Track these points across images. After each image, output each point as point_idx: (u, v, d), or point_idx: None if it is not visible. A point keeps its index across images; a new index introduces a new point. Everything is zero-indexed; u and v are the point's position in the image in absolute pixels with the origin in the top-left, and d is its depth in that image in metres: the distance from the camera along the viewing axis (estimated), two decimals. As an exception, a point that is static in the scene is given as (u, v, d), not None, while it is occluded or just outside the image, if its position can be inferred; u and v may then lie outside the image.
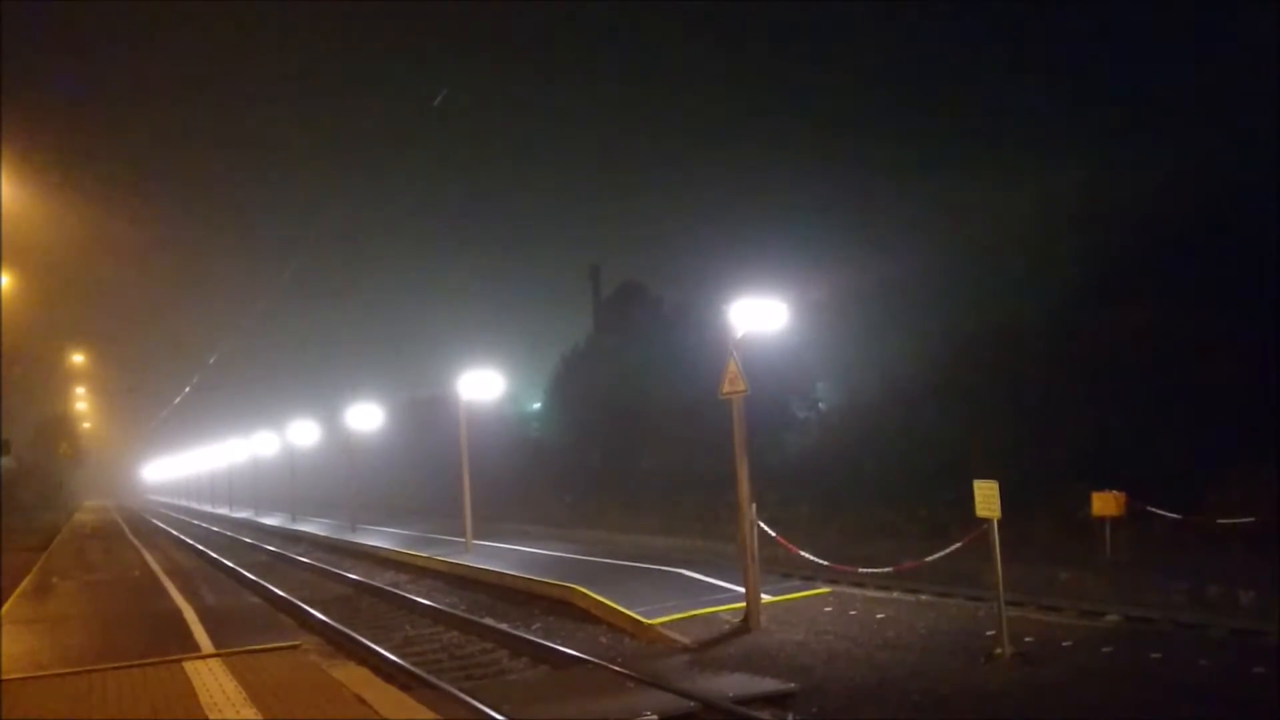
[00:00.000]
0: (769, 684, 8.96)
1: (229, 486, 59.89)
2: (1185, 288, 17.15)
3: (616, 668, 9.90)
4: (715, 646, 10.64)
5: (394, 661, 11.11)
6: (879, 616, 11.28)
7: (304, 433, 42.18)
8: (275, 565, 24.81)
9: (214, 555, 27.11)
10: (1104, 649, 9.13)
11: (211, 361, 67.78)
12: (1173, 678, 8.13)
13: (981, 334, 20.87)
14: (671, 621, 11.68)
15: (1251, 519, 13.03)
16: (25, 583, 18.81)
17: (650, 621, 11.74)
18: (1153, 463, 15.18)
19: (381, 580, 19.27)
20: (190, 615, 13.39)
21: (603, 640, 11.92)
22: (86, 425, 78.30)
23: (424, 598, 16.06)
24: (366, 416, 32.50)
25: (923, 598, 12.18)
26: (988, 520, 9.46)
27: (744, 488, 11.80)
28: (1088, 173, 21.65)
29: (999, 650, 9.09)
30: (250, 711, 7.71)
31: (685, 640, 10.98)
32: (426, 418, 41.52)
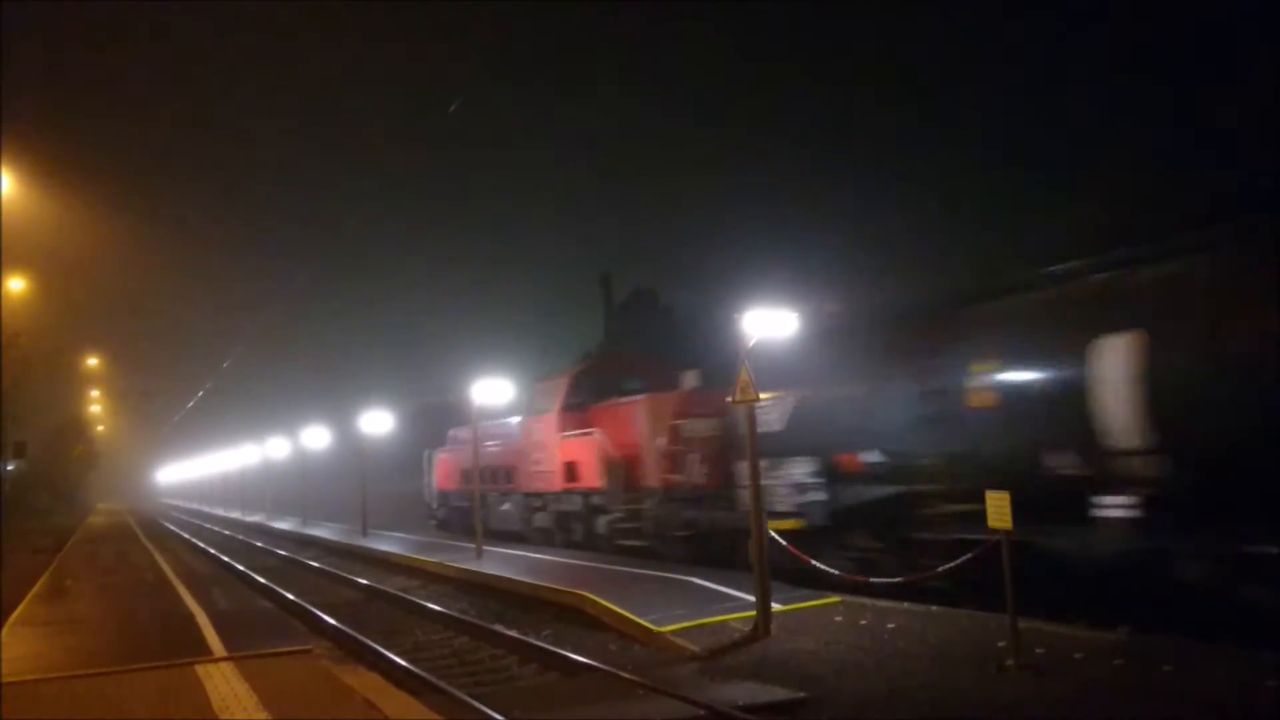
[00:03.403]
0: (779, 692, 8.96)
1: (241, 490, 60.09)
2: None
3: (626, 674, 9.90)
4: (725, 654, 10.63)
5: (404, 667, 11.14)
6: (889, 626, 11.25)
7: (316, 437, 42.31)
8: (286, 569, 24.89)
9: (226, 559, 27.21)
10: (1115, 661, 9.08)
11: (225, 366, 68.26)
12: (1185, 691, 8.08)
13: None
14: (681, 629, 11.67)
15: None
16: (39, 585, 18.94)
17: (660, 629, 11.74)
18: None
19: (392, 585, 19.31)
20: (202, 619, 13.47)
21: (612, 647, 11.93)
22: (100, 428, 78.87)
23: (434, 603, 16.09)
24: (378, 422, 32.61)
25: (933, 608, 12.13)
26: (1000, 531, 9.44)
27: (755, 494, 11.81)
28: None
29: (1010, 662, 9.06)
30: (261, 715, 7.76)
31: (695, 648, 10.98)
32: (439, 424, 41.60)
